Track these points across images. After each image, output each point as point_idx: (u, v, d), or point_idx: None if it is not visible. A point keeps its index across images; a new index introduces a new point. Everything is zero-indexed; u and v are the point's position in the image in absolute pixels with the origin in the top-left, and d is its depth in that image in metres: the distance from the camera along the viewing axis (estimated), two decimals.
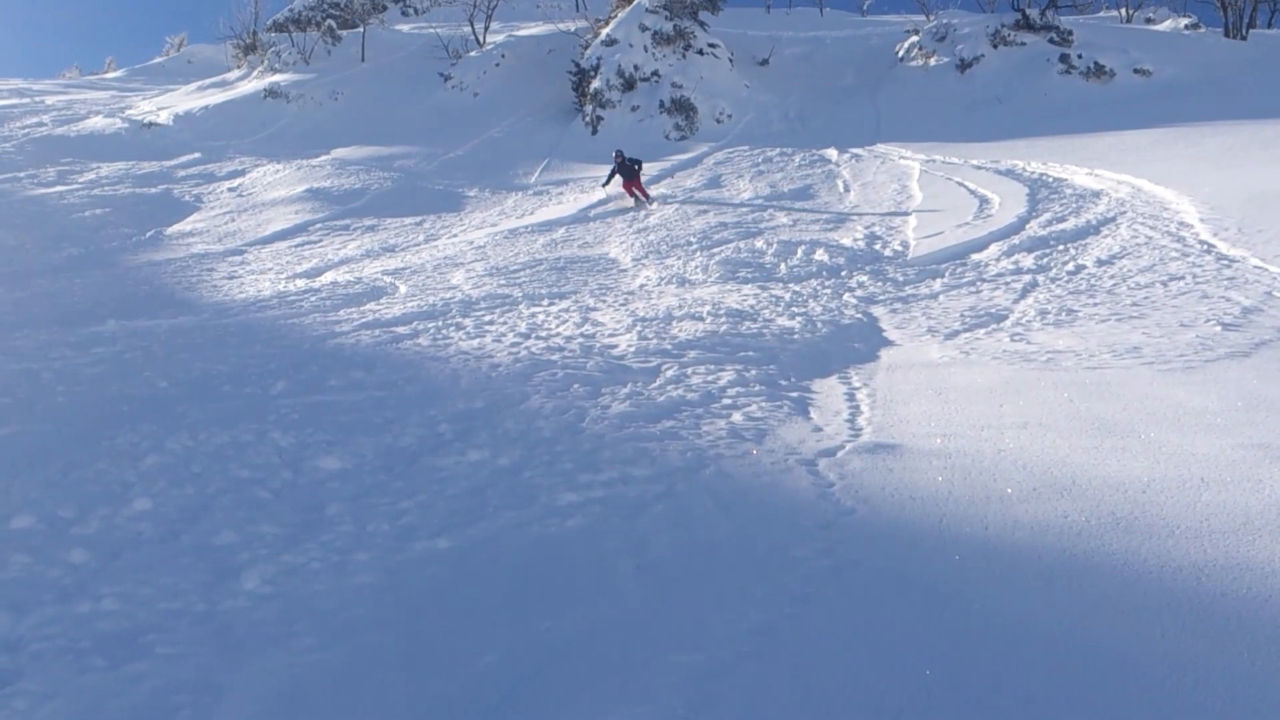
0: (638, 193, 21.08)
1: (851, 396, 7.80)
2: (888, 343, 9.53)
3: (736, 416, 7.31)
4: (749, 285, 12.46)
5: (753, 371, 8.52)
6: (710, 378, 8.34)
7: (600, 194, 21.78)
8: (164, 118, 33.85)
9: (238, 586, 4.70)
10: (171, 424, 7.39)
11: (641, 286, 12.97)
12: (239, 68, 43.15)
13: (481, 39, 40.66)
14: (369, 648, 4.18)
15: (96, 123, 32.49)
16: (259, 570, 4.87)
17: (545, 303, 12.04)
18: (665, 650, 3.98)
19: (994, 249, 13.30)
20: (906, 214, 16.87)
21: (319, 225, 20.91)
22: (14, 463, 6.53)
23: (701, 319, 10.46)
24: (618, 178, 21.29)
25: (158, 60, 51.83)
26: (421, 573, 4.95)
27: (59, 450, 6.82)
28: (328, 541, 5.28)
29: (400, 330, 10.77)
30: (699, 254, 14.73)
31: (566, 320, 10.86)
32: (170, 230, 20.77)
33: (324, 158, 28.36)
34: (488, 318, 11.31)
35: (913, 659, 3.76)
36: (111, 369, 9.31)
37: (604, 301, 11.95)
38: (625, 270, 14.36)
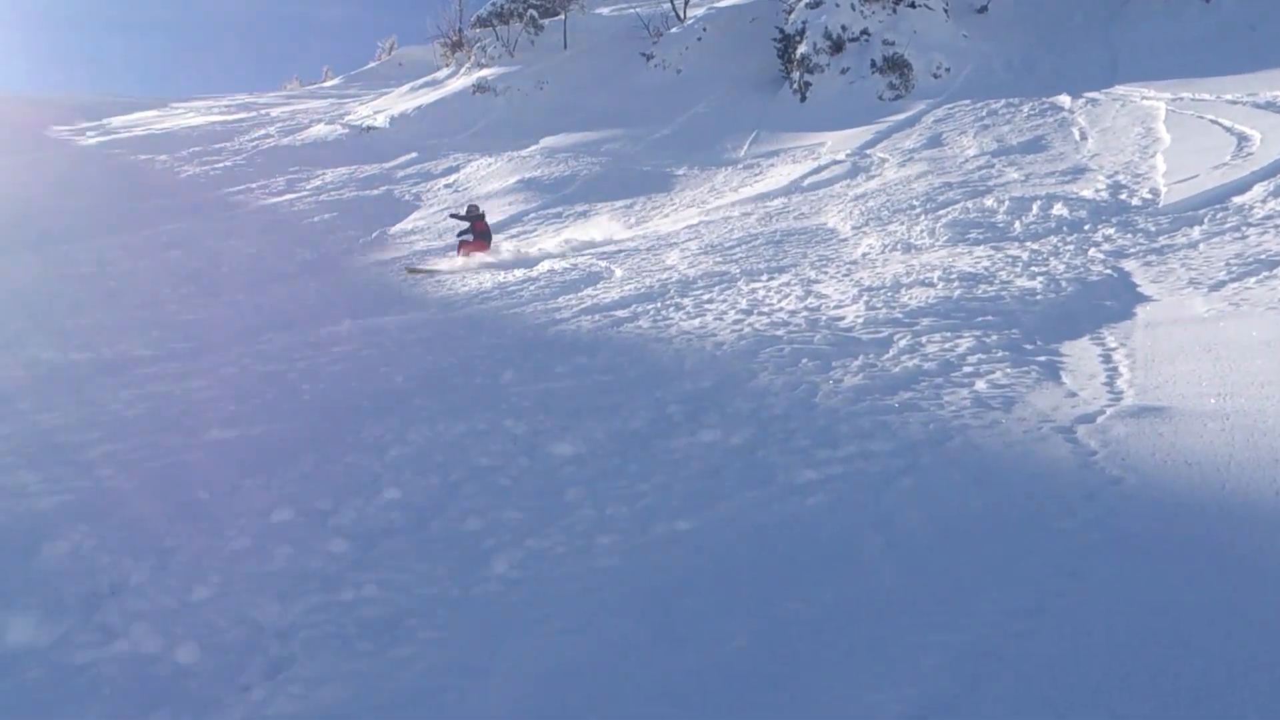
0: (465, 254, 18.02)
1: (1107, 358, 7.42)
2: (1144, 298, 9.01)
3: (980, 385, 7.07)
4: (981, 246, 12.04)
5: (993, 337, 8.22)
6: (947, 345, 8.10)
7: (798, 169, 21.35)
8: (380, 121, 35.50)
9: (489, 572, 4.88)
10: (411, 416, 7.73)
11: (864, 255, 12.73)
12: (447, 66, 44.73)
13: (682, 14, 40.80)
14: (618, 631, 4.25)
15: (318, 130, 34.34)
16: (507, 555, 5.04)
17: (764, 278, 11.97)
18: (925, 630, 3.88)
19: (1258, 189, 12.37)
20: (1153, 158, 15.93)
21: (532, 215, 21.48)
22: (270, 459, 6.97)
23: (932, 285, 10.17)
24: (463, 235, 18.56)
25: (371, 65, 54.32)
26: (664, 555, 5.00)
27: (309, 446, 7.23)
28: (569, 526, 5.41)
29: (620, 314, 10.92)
30: (923, 217, 14.33)
31: (788, 294, 10.77)
32: (394, 230, 21.76)
33: (533, 148, 29.10)
34: (706, 296, 11.33)
35: (1205, 632, 3.53)
36: (350, 366, 9.81)
37: (826, 273, 11.78)
38: (846, 239, 14.13)
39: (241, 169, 28.92)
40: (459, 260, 17.48)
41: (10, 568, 5.22)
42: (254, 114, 39.26)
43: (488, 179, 25.87)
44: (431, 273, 16.70)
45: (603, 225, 18.90)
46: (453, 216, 19.30)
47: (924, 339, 8.34)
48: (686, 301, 11.13)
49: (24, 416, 8.42)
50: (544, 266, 15.37)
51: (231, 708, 3.74)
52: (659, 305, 11.12)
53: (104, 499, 6.32)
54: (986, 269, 10.67)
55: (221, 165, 29.15)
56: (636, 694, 3.75)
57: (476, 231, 18.52)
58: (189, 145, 31.84)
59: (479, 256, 17.62)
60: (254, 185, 26.82)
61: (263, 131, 34.57)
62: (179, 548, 5.39)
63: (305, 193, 25.77)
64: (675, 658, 3.99)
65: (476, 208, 19.06)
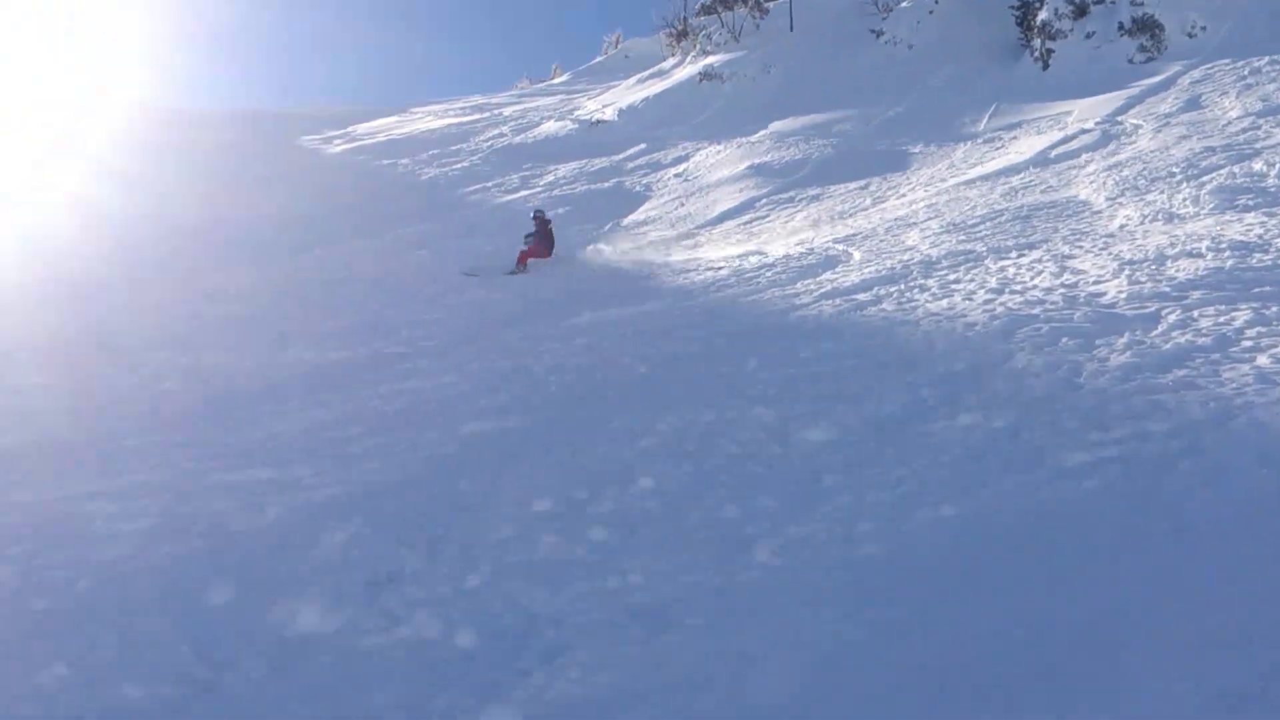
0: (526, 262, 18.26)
1: None
2: None
3: (1262, 360, 6.58)
4: (1252, 213, 11.22)
5: (1273, 308, 7.65)
6: (1222, 319, 7.59)
7: (1043, 140, 20.40)
8: (609, 114, 36.13)
9: (750, 559, 4.87)
10: (657, 406, 7.82)
11: (1122, 227, 12.08)
12: (673, 56, 45.07)
13: None
14: (887, 618, 4.16)
15: (549, 127, 35.22)
16: (767, 543, 5.02)
17: (1014, 255, 11.52)
18: (1227, 629, 3.63)
19: None
20: None
21: (764, 200, 21.38)
22: (524, 450, 7.19)
23: (1200, 255, 9.55)
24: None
25: (598, 60, 55.29)
26: (928, 541, 4.88)
27: (561, 436, 7.42)
28: (829, 513, 5.34)
29: (861, 297, 10.74)
30: (1185, 185, 13.47)
31: (1041, 271, 10.32)
32: (626, 221, 22.09)
33: (762, 133, 28.96)
34: (952, 276, 11.00)
35: None
36: (593, 358, 10.01)
37: (1080, 247, 11.24)
38: (1099, 212, 13.44)
39: (478, 169, 29.94)
40: (518, 267, 17.93)
41: (294, 558, 5.56)
42: (487, 114, 40.57)
43: (717, 166, 25.92)
44: (486, 274, 17.27)
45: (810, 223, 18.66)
46: (527, 237, 19.26)
47: (1195, 313, 7.84)
48: (931, 282, 10.83)
49: (293, 414, 8.94)
50: (779, 252, 15.26)
51: (513, 691, 3.86)
52: (902, 287, 10.87)
53: (373, 491, 6.65)
54: (1260, 237, 9.94)
55: (459, 166, 30.27)
56: (909, 681, 3.67)
57: (539, 236, 18.77)
58: (428, 148, 33.20)
59: (535, 263, 18.13)
60: (490, 184, 27.71)
61: (496, 131, 35.68)
62: (448, 537, 5.61)
63: (539, 189, 26.46)
64: (945, 646, 3.88)
65: (542, 213, 19.37)
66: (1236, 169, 13.63)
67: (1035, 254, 11.33)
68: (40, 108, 33.53)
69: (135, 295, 14.63)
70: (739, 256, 15.78)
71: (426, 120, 40.59)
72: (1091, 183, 15.48)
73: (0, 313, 13.04)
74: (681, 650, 4.03)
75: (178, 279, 16.26)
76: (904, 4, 37.85)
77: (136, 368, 10.40)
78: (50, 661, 4.39)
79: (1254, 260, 9.09)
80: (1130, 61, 27.48)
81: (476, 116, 40.08)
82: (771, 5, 43.87)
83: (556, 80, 54.36)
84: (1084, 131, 20.47)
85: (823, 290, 11.50)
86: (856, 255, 13.68)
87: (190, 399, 9.40)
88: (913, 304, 10.00)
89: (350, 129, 39.37)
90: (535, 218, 19.27)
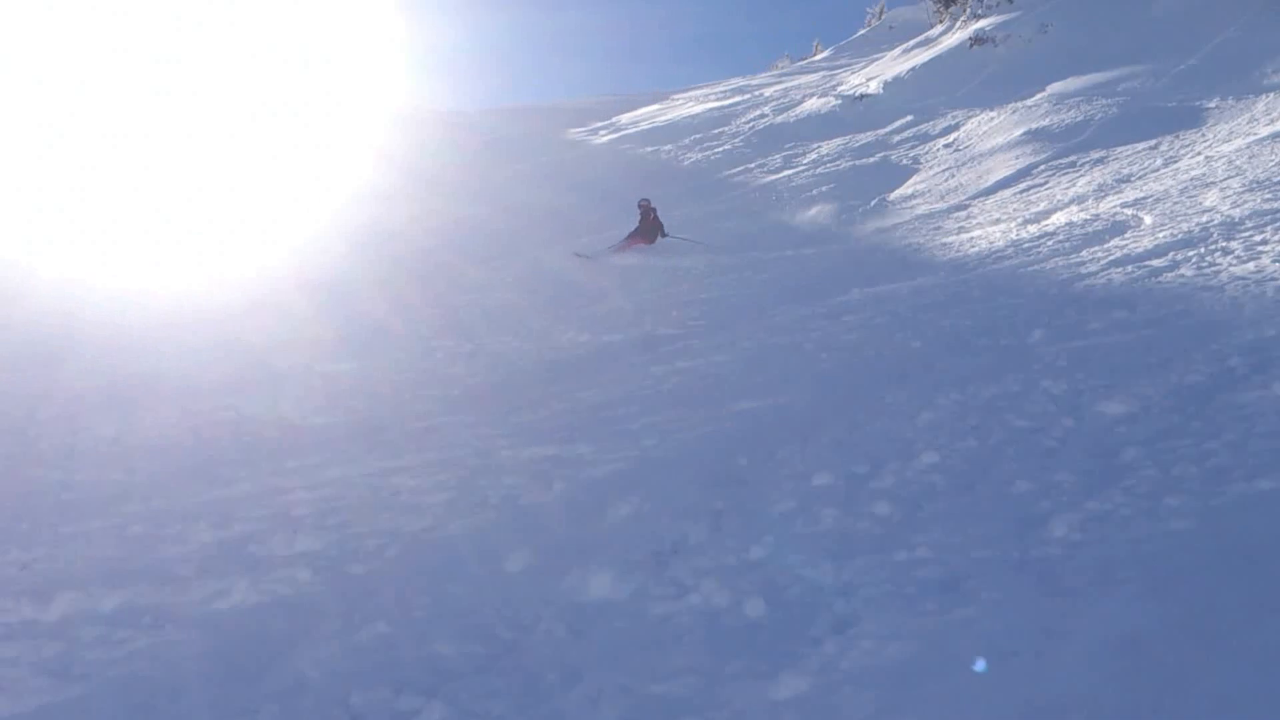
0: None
1: None
2: None
3: None
4: None
5: None
6: None
7: None
8: (873, 87, 35.55)
9: (1047, 534, 4.73)
10: (935, 381, 7.68)
11: None
12: (940, 22, 43.89)
13: None
14: (1202, 597, 3.96)
15: (811, 105, 34.99)
16: (1065, 518, 4.85)
17: None
18: None
19: None
20: None
21: (1042, 167, 20.55)
22: (799, 427, 7.21)
23: None
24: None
25: (860, 33, 54.53)
26: (1244, 517, 4.60)
27: (835, 413, 7.40)
28: (1131, 487, 5.11)
29: (1155, 263, 10.19)
30: None
31: None
32: (892, 196, 21.72)
33: (1039, 96, 27.82)
34: (1258, 237, 10.29)
35: None
36: (865, 334, 9.91)
37: None
38: None
39: (740, 151, 30.10)
40: (619, 253, 18.44)
41: (582, 529, 5.80)
42: (748, 96, 40.67)
43: (990, 134, 25.08)
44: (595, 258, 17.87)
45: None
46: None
47: None
48: (1235, 245, 10.16)
49: (571, 394, 9.28)
50: (1060, 220, 14.63)
51: (806, 659, 3.91)
52: (1201, 251, 10.24)
53: (652, 466, 6.84)
54: None
55: (720, 149, 30.52)
56: (1228, 663, 3.48)
57: (642, 226, 19.16)
58: (690, 133, 33.62)
59: (636, 248, 18.60)
60: (752, 165, 27.82)
61: (757, 113, 35.73)
62: (729, 510, 5.72)
63: (801, 167, 26.36)
64: (1269, 628, 3.65)
65: (648, 201, 19.56)
66: None
67: None
68: (328, 114, 36.01)
69: (421, 288, 15.53)
70: (1016, 226, 15.24)
71: (688, 106, 41.10)
72: None
73: (306, 303, 14.12)
74: (978, 624, 3.96)
75: (458, 270, 17.16)
76: None
77: (428, 354, 11.05)
78: (371, 620, 4.77)
79: None
80: None
81: (737, 99, 40.24)
82: None
83: (818, 57, 53.94)
84: None
85: (1111, 258, 10.97)
86: (1148, 219, 12.97)
87: (476, 382, 9.91)
88: (1214, 268, 9.41)
89: (615, 119, 40.35)
90: (640, 206, 19.68)
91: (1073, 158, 20.48)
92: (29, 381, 10.54)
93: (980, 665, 3.65)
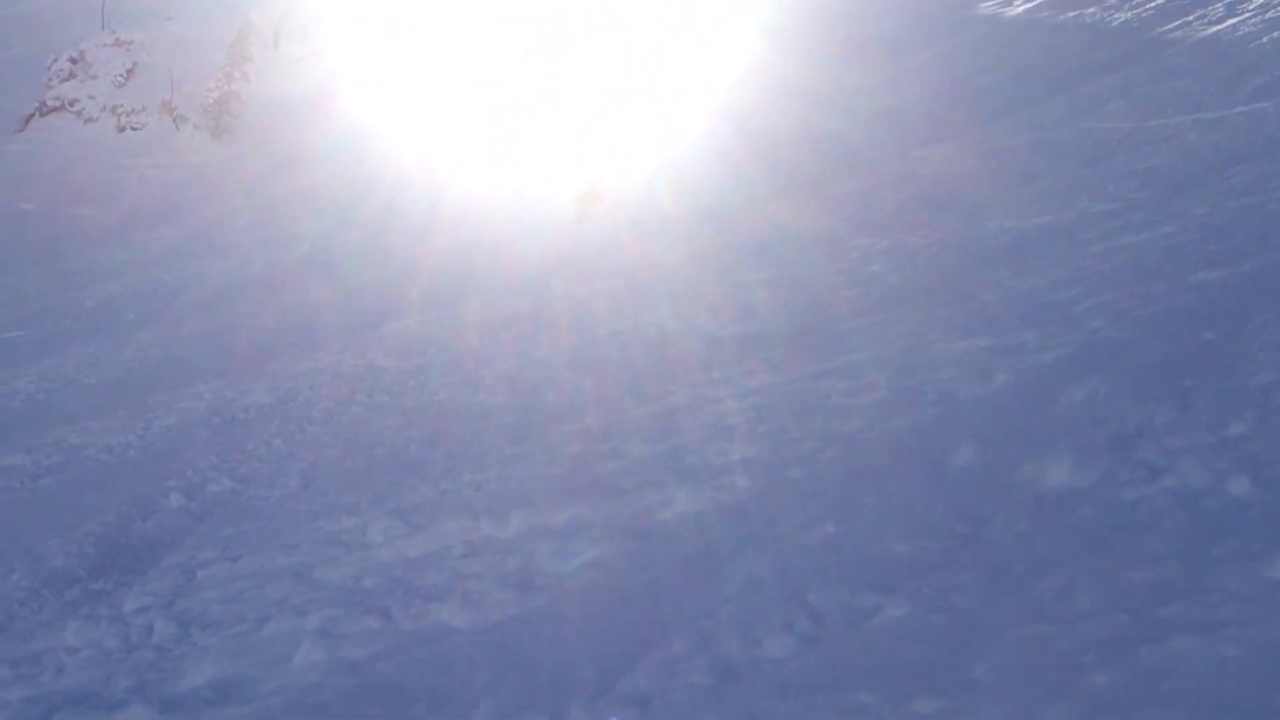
0: None
1: None
2: None
3: None
4: None
5: None
6: None
7: None
8: None
9: None
10: None
11: None
12: None
13: None
14: None
15: None
16: None
17: None
18: None
19: None
20: None
21: None
22: (1275, 295, 6.56)
23: None
24: None
25: None
26: None
27: None
28: None
29: None
30: None
31: None
32: None
33: None
34: None
35: None
36: None
37: None
38: None
39: (1173, 4, 27.58)
40: None
41: (1031, 419, 5.55)
42: None
43: None
44: None
45: None
46: None
47: None
48: None
49: (1003, 283, 8.93)
50: None
51: None
52: None
53: (1104, 348, 6.44)
54: None
55: (1153, 4, 28.09)
56: None
57: None
58: None
59: None
60: (1190, 18, 25.39)
61: None
62: (1199, 387, 5.26)
63: (1247, 13, 23.75)
64: None
65: None
66: None
67: None
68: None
69: (843, 182, 15.51)
70: None
71: None
72: None
73: (721, 210, 14.51)
74: None
75: (865, 164, 16.96)
76: None
77: (842, 254, 11.01)
78: (818, 521, 4.82)
79: None
80: None
81: None
82: None
83: None
84: None
85: None
86: None
87: (897, 279, 9.77)
88: None
89: None
90: None
91: None
92: (459, 315, 11.55)
93: None
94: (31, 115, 44.48)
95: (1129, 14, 27.71)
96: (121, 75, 44.85)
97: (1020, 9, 33.33)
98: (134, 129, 43.51)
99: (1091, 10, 29.25)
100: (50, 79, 45.02)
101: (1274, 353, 5.49)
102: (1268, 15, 22.88)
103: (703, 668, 3.84)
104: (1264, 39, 20.98)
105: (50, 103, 44.66)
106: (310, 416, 9.96)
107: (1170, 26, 24.93)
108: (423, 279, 16.17)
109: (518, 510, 6.13)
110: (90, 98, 44.38)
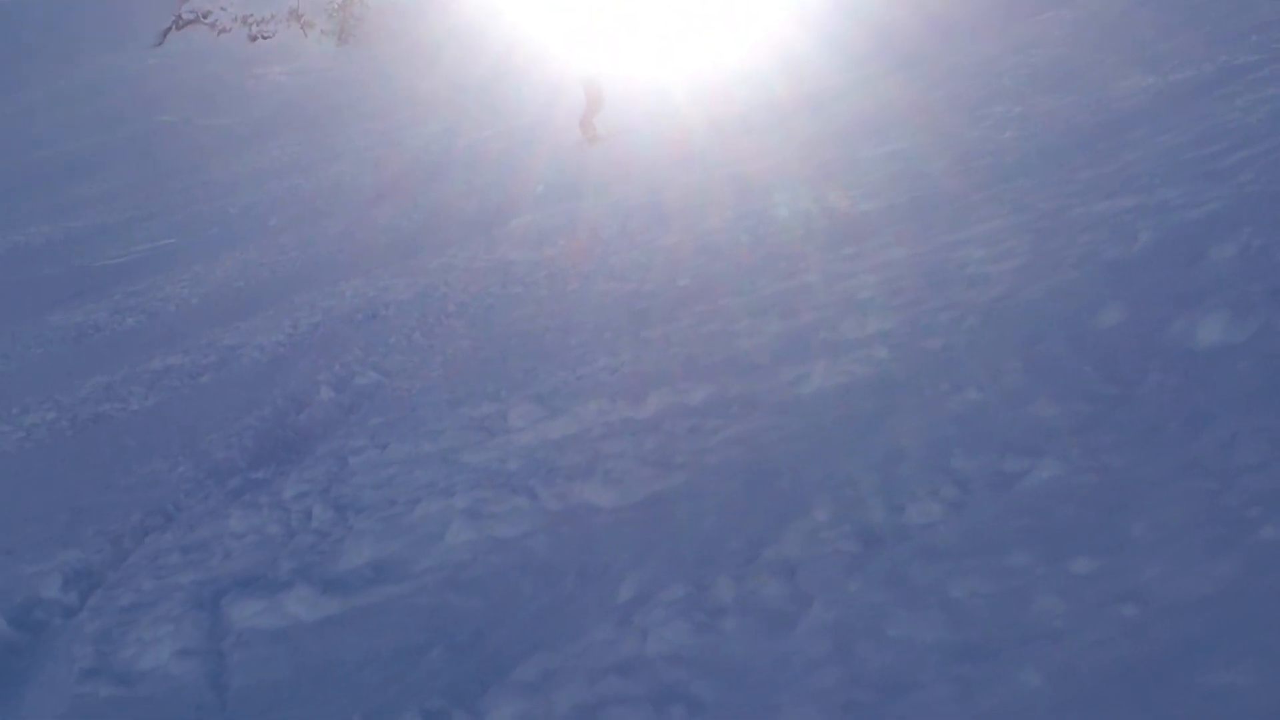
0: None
1: None
2: None
3: None
4: None
5: None
6: None
7: None
8: None
9: None
10: None
11: None
12: None
13: None
14: None
15: None
16: None
17: None
18: None
19: None
20: None
21: None
22: None
23: None
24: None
25: None
26: None
27: None
28: None
29: None
30: None
31: None
32: None
33: None
34: None
35: None
36: None
37: None
38: None
39: None
40: None
41: (1179, 276, 5.29)
42: None
43: None
44: None
45: None
46: None
47: None
48: None
49: (1144, 142, 8.51)
50: None
51: None
52: None
53: (1256, 202, 6.08)
54: None
55: None
56: None
57: None
58: None
59: None
60: None
61: None
62: None
63: None
64: None
65: None
66: None
67: None
68: None
69: (967, 53, 14.99)
70: None
71: None
72: None
73: (841, 92, 14.12)
74: None
75: (992, 30, 16.30)
76: None
77: (974, 124, 10.62)
78: (960, 389, 4.70)
79: None
80: None
81: None
82: None
83: None
84: None
85: None
86: None
87: (1032, 145, 9.38)
88: None
89: None
90: None
91: None
92: (582, 209, 11.50)
93: None
94: (169, 29, 45.43)
95: None
96: None
97: None
98: (264, 38, 44.09)
99: None
100: None
101: None
102: None
103: (848, 535, 3.80)
104: None
105: (185, 16, 45.52)
106: (447, 310, 10.07)
107: None
108: (547, 174, 16.15)
109: (654, 391, 6.11)
110: (222, 9, 45.10)
